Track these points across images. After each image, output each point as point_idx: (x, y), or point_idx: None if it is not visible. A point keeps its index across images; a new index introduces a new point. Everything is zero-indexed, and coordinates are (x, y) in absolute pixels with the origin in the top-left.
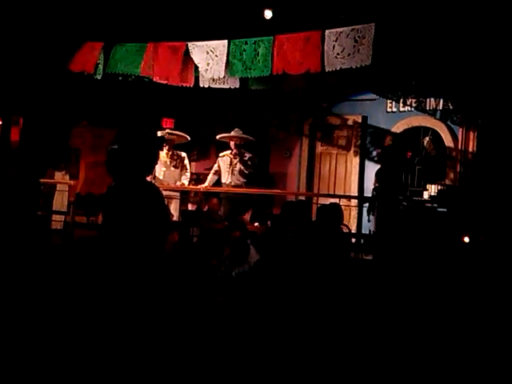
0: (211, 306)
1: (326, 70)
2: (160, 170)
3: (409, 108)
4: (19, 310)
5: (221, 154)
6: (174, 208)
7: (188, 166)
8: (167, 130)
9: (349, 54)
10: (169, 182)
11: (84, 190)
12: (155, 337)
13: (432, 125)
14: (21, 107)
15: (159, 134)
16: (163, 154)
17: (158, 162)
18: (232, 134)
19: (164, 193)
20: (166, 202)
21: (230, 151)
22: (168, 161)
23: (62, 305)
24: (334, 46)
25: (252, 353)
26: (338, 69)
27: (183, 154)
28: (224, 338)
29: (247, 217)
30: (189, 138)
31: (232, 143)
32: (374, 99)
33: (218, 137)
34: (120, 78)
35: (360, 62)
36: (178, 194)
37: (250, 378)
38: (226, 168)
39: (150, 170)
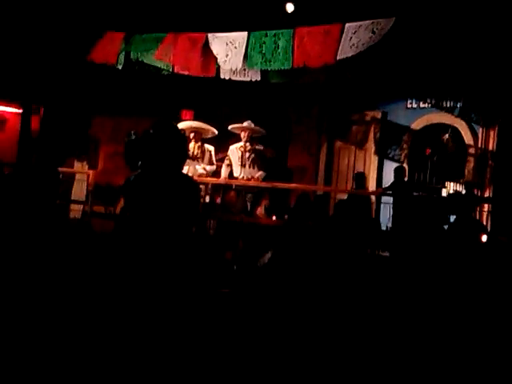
0: (220, 298)
1: (338, 58)
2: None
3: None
4: (38, 297)
5: (231, 147)
6: None
7: (214, 160)
8: (195, 122)
9: (363, 44)
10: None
11: (103, 179)
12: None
13: (452, 122)
14: (41, 96)
15: (189, 123)
16: (191, 147)
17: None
18: (244, 125)
19: None
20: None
21: (240, 143)
22: (196, 154)
23: (80, 292)
24: (351, 38)
25: (266, 346)
26: (349, 56)
27: (210, 148)
28: (234, 332)
29: (261, 210)
30: (216, 132)
31: (243, 135)
32: (394, 95)
33: (229, 127)
34: (136, 67)
35: (368, 46)
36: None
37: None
38: (236, 161)
39: (182, 162)
